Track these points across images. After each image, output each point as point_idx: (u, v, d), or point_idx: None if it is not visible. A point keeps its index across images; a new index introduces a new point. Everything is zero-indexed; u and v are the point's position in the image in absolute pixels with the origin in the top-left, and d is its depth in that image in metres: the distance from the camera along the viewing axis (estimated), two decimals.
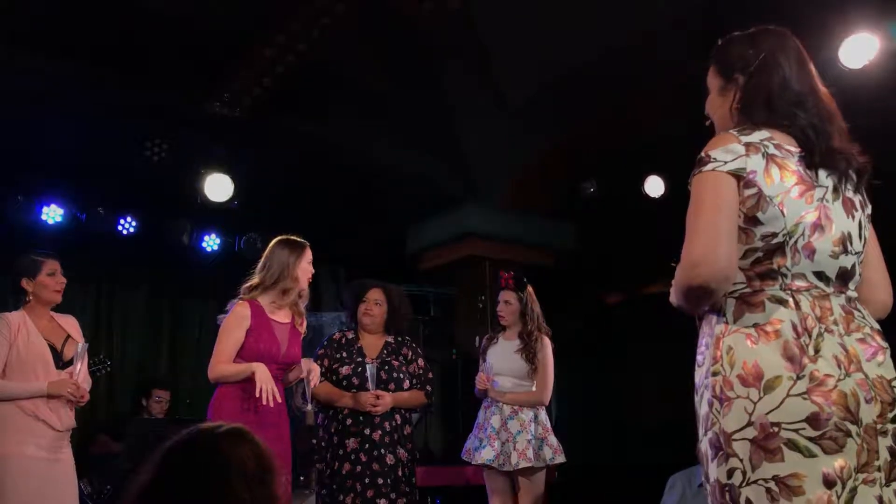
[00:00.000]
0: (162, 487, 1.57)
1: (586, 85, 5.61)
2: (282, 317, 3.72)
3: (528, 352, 4.47)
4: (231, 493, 1.55)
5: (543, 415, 4.49)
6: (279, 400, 3.45)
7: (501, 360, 4.51)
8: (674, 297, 1.82)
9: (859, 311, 1.81)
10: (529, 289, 4.60)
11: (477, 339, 4.64)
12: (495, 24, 5.30)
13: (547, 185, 7.09)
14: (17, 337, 3.66)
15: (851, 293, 1.83)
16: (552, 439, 4.43)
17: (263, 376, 3.41)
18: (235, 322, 3.58)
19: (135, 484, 1.60)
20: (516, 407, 4.43)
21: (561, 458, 4.42)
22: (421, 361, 4.31)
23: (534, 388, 4.48)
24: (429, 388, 4.27)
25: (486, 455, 4.34)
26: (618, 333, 8.50)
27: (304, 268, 3.71)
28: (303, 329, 3.83)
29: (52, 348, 3.77)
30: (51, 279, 3.80)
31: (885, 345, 1.78)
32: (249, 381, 3.45)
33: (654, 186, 6.44)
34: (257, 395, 3.36)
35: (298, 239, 3.79)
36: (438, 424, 7.79)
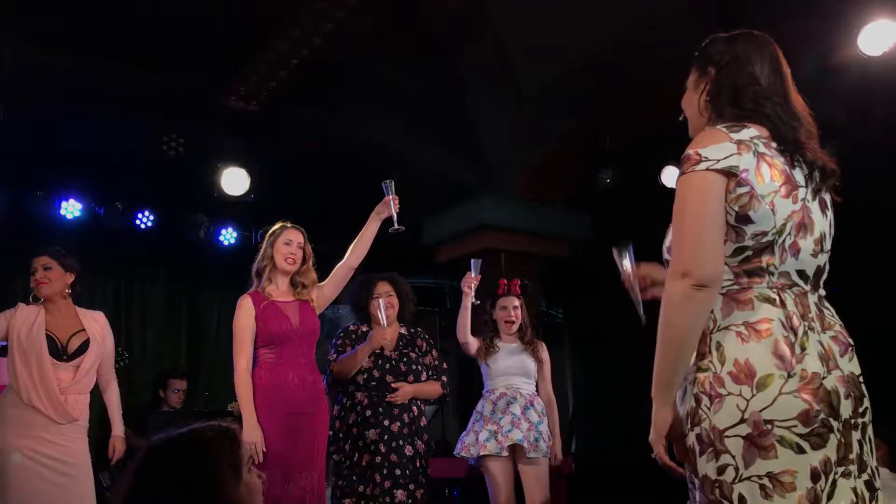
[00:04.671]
0: (136, 491, 1.71)
1: (602, 74, 5.58)
2: (288, 297, 3.82)
3: (534, 351, 4.64)
4: (190, 495, 1.69)
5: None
6: (259, 459, 3.44)
7: (511, 362, 4.60)
8: (674, 311, 1.75)
9: (828, 308, 1.85)
10: None
11: (472, 340, 4.64)
12: (510, 14, 5.28)
13: (563, 176, 7.06)
14: (22, 327, 3.79)
15: (822, 291, 1.86)
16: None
17: (250, 437, 3.43)
18: (240, 315, 3.72)
19: (117, 489, 1.77)
20: (530, 398, 4.53)
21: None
22: (435, 352, 4.34)
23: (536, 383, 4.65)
24: (444, 378, 4.30)
25: (514, 436, 4.35)
26: (635, 325, 8.46)
27: (279, 248, 3.80)
28: (310, 298, 3.87)
29: (53, 341, 3.85)
30: (31, 278, 3.93)
31: (852, 342, 1.82)
32: (278, 373, 3.62)
33: (672, 177, 6.40)
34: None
35: (284, 223, 3.91)
36: (455, 416, 7.80)
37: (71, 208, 6.52)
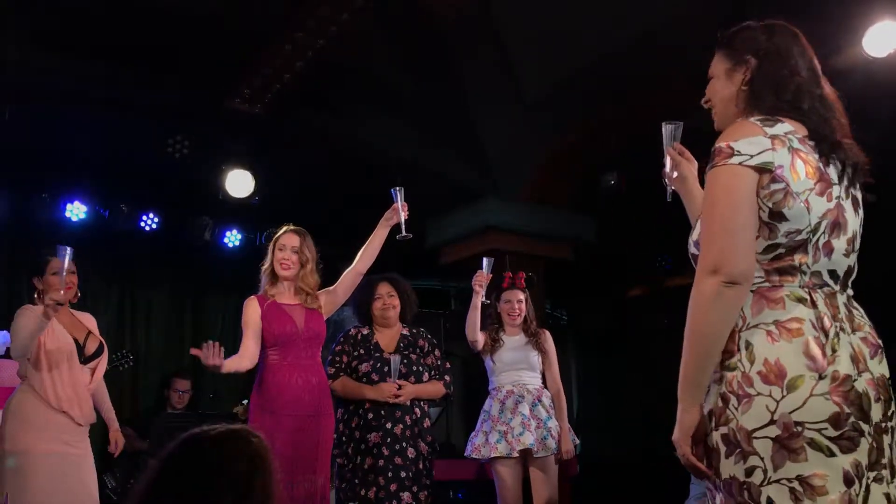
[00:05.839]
0: (157, 493, 1.66)
1: (607, 77, 5.57)
2: (293, 301, 3.85)
3: (538, 343, 4.61)
4: (216, 494, 1.63)
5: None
6: None
7: (516, 356, 4.59)
8: (703, 310, 1.72)
9: (857, 308, 1.82)
10: None
11: (480, 337, 4.63)
12: (513, 16, 5.27)
13: (568, 178, 7.05)
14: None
15: (850, 291, 1.83)
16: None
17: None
18: (246, 316, 3.77)
19: (135, 490, 1.72)
20: (537, 393, 4.52)
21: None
22: (437, 352, 4.33)
23: (543, 376, 4.65)
24: (447, 378, 4.28)
25: (526, 440, 4.34)
26: (639, 327, 8.46)
27: (274, 252, 3.86)
28: (317, 306, 3.89)
29: (76, 342, 3.81)
30: (54, 278, 3.64)
31: (881, 343, 1.78)
32: (283, 375, 3.66)
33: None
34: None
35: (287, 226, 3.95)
36: (460, 418, 7.79)
37: (76, 210, 6.55)
